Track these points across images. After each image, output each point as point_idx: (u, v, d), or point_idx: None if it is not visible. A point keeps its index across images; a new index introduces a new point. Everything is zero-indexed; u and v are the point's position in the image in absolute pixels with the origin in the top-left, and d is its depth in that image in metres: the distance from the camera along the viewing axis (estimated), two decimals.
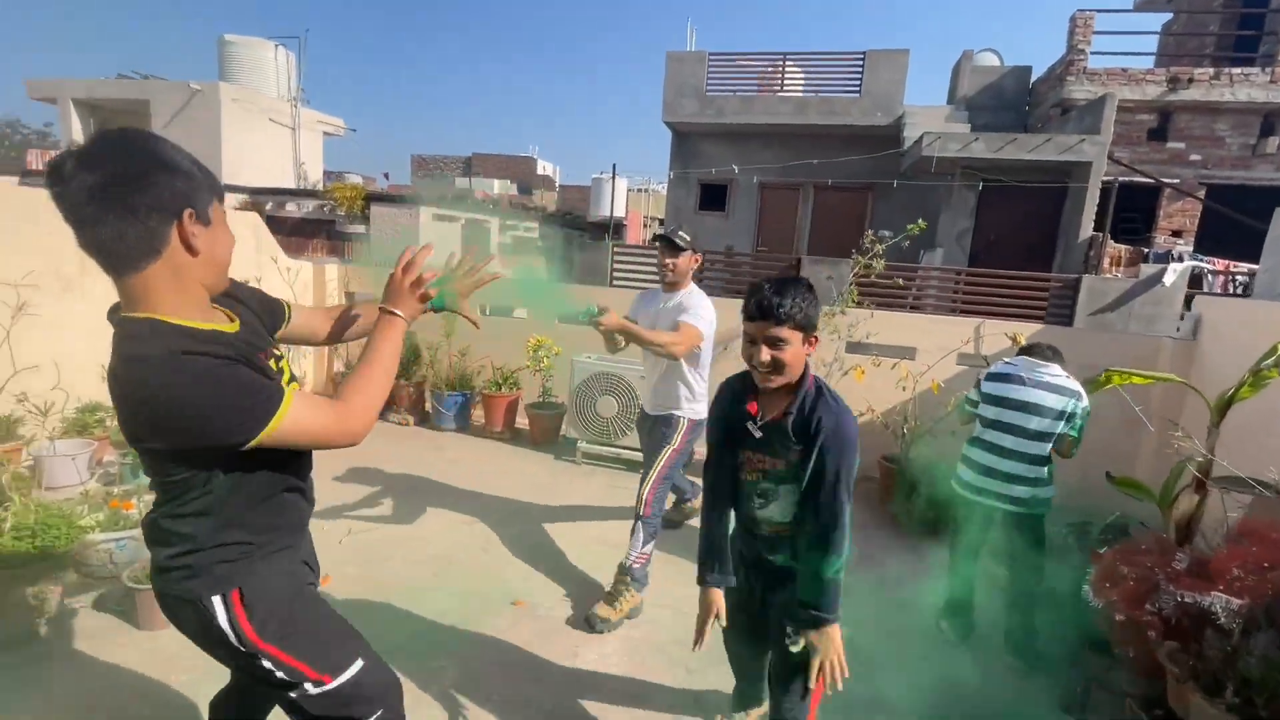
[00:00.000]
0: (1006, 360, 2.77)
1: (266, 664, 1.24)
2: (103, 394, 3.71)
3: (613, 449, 4.62)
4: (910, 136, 10.06)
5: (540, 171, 32.71)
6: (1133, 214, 11.46)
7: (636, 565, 2.66)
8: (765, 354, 1.55)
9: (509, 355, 5.28)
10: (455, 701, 2.15)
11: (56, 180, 0.99)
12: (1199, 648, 1.69)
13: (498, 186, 28.72)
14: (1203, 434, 2.46)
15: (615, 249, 8.50)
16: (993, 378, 2.64)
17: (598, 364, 4.63)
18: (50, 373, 3.52)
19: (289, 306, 1.42)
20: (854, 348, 4.69)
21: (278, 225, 10.07)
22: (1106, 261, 8.41)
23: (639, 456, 4.49)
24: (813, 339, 1.58)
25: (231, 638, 1.22)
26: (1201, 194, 10.02)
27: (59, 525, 2.43)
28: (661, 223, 16.66)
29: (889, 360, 4.33)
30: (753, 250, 12.74)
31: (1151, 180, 9.48)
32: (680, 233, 2.63)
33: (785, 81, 11.95)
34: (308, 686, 1.27)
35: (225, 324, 1.18)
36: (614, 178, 16.42)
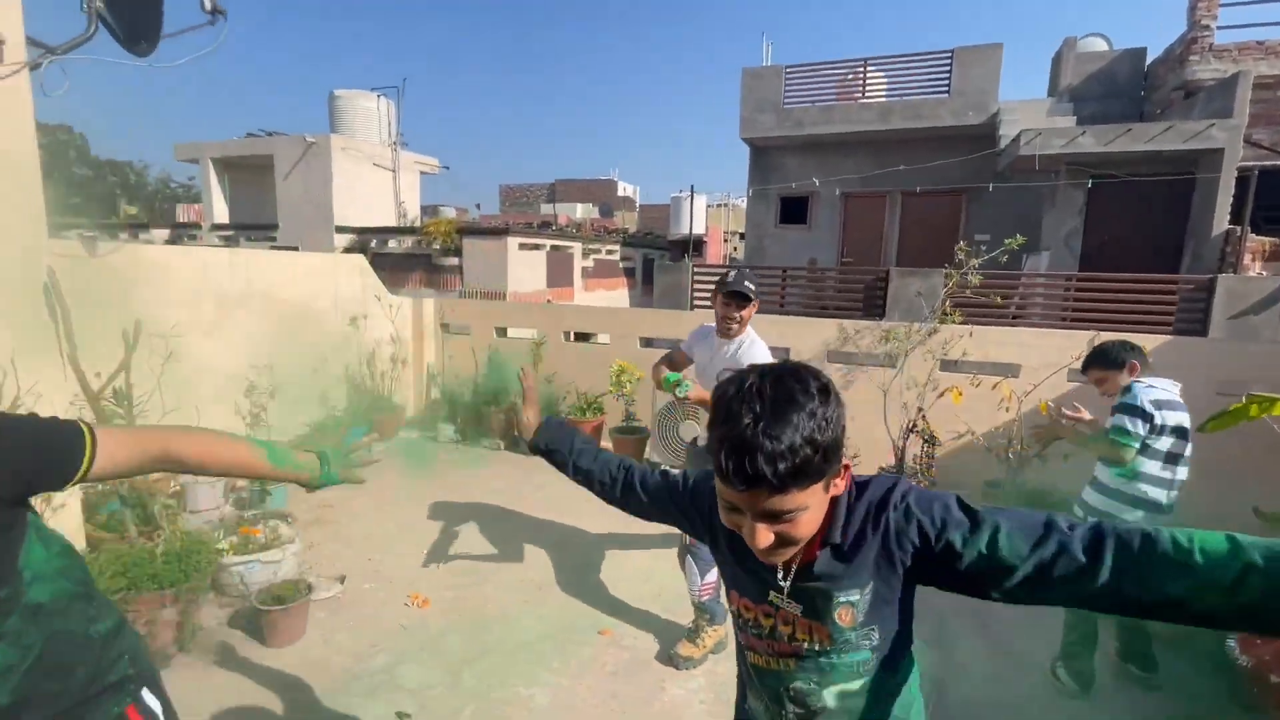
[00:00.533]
0: (1152, 382, 2.53)
1: None
2: (232, 425, 4.11)
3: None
4: (1007, 135, 9.46)
5: (621, 193, 33.38)
6: (1278, 204, 10.17)
7: (705, 598, 2.62)
8: (765, 537, 0.95)
9: (593, 381, 5.42)
10: None
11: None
12: None
13: (580, 210, 29.63)
14: None
15: (695, 269, 8.51)
16: (1166, 405, 2.42)
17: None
18: (191, 411, 3.98)
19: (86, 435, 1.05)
20: (949, 366, 4.44)
21: (380, 262, 10.86)
22: (1248, 258, 7.49)
23: None
24: (843, 470, 0.99)
25: None
26: None
27: (201, 550, 2.73)
28: (742, 237, 16.50)
29: (990, 379, 4.06)
30: (837, 263, 12.37)
31: None
32: (747, 283, 2.56)
33: (867, 87, 11.60)
34: None
35: None
36: (692, 196, 16.50)
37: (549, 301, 10.17)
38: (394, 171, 12.19)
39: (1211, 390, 4.02)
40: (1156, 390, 2.48)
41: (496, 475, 4.84)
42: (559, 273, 11.55)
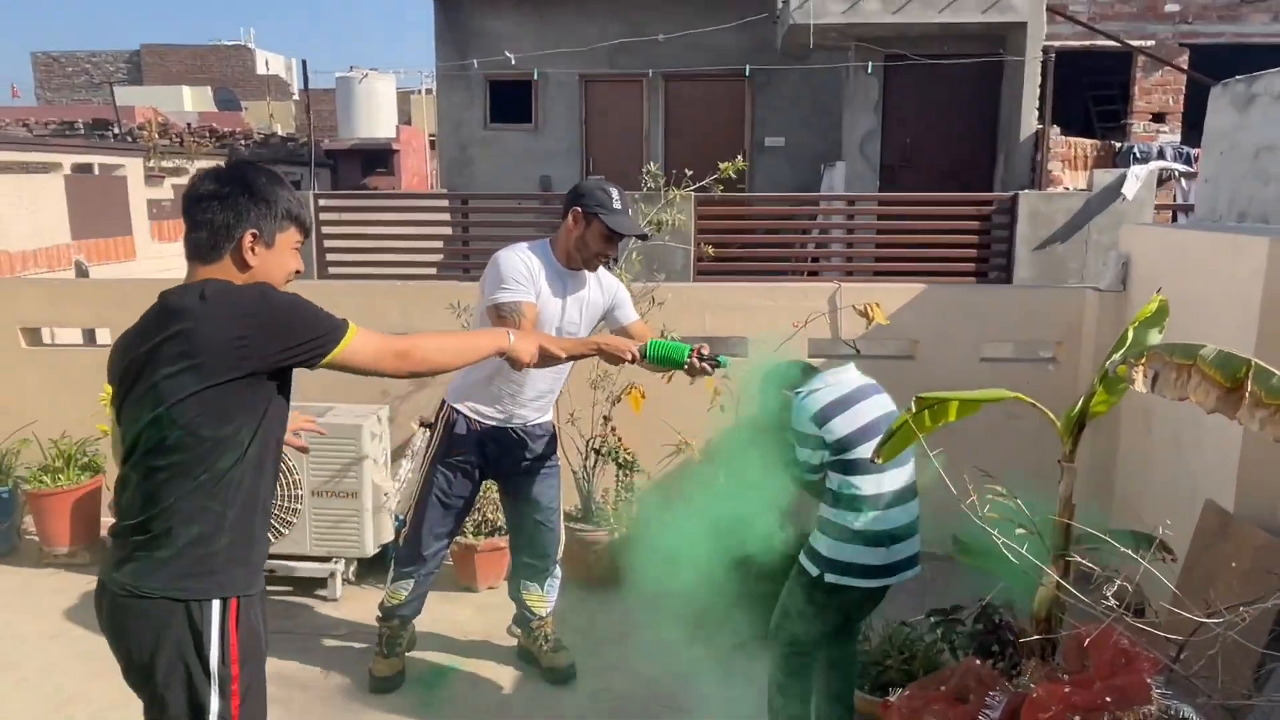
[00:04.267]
0: (816, 384, 2.75)
1: (214, 703, 1.77)
2: None
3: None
4: None
5: (263, 70, 31.00)
6: (1110, 93, 12.45)
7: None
8: None
9: (72, 412, 4.73)
10: None
11: (188, 186, 1.90)
12: None
13: (189, 99, 26.93)
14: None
15: (322, 203, 7.95)
16: (840, 407, 2.68)
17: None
18: None
19: None
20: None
21: None
22: (1058, 167, 8.97)
23: (305, 571, 4.19)
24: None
25: (213, 656, 1.76)
26: (1183, 60, 10.97)
27: None
28: (433, 145, 16.04)
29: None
30: (582, 177, 12.57)
31: (1116, 43, 10.24)
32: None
33: None
34: None
35: None
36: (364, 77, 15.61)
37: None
38: None
39: (975, 358, 4.59)
40: (824, 393, 2.68)
41: None
42: (102, 213, 10.14)
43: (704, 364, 2.77)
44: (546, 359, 2.92)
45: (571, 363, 3.17)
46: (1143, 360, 2.10)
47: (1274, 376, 1.85)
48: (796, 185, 11.66)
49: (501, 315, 2.91)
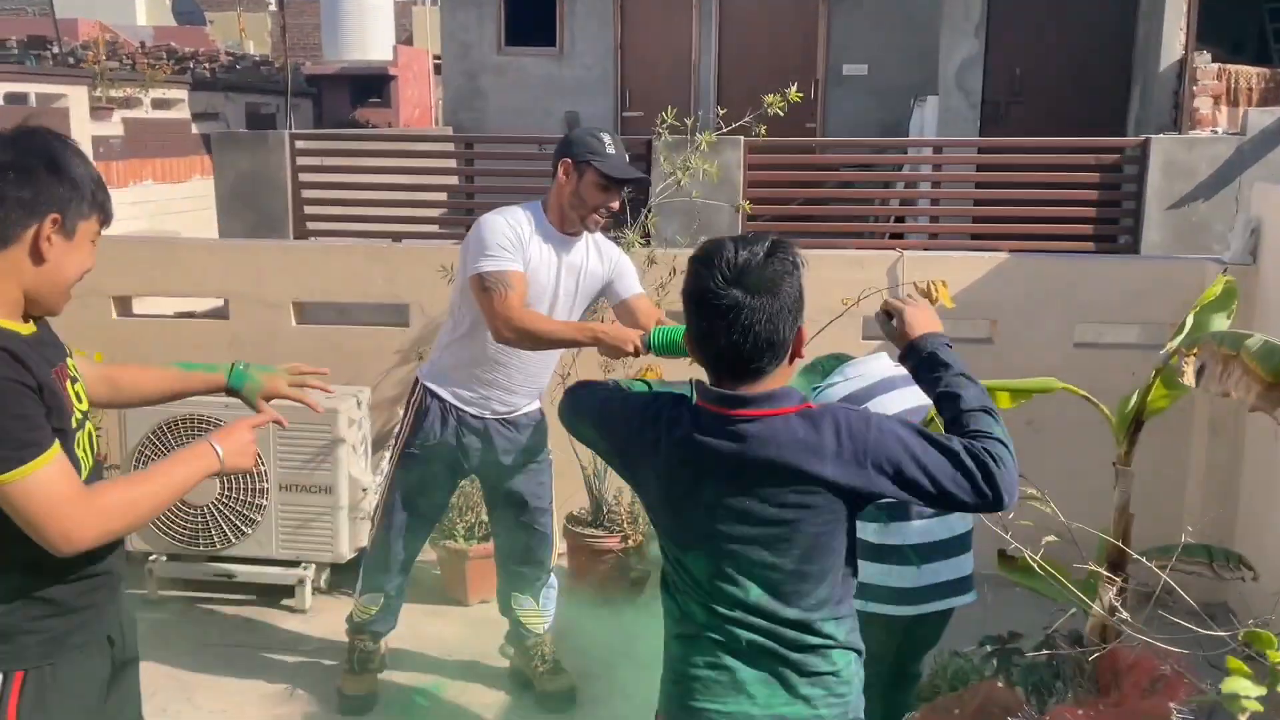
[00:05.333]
0: (845, 373, 3.00)
1: None
2: None
3: (219, 566, 4.61)
4: None
5: None
6: None
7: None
8: None
9: None
10: None
11: None
12: None
13: (144, 9, 27.59)
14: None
15: (299, 144, 8.29)
16: (861, 400, 2.83)
17: (177, 407, 4.52)
18: None
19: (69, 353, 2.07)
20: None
21: None
22: (1206, 103, 8.97)
23: (270, 577, 4.53)
24: None
25: None
26: None
27: None
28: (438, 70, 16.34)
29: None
30: (617, 117, 12.81)
31: None
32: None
33: None
34: None
35: (22, 325, 1.88)
36: None
37: None
38: None
39: (1067, 343, 4.78)
40: (842, 386, 2.91)
41: None
42: None
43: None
44: (537, 342, 3.18)
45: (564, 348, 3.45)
46: (1194, 350, 2.32)
47: None
48: (883, 123, 11.73)
49: (485, 288, 3.10)
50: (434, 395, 3.45)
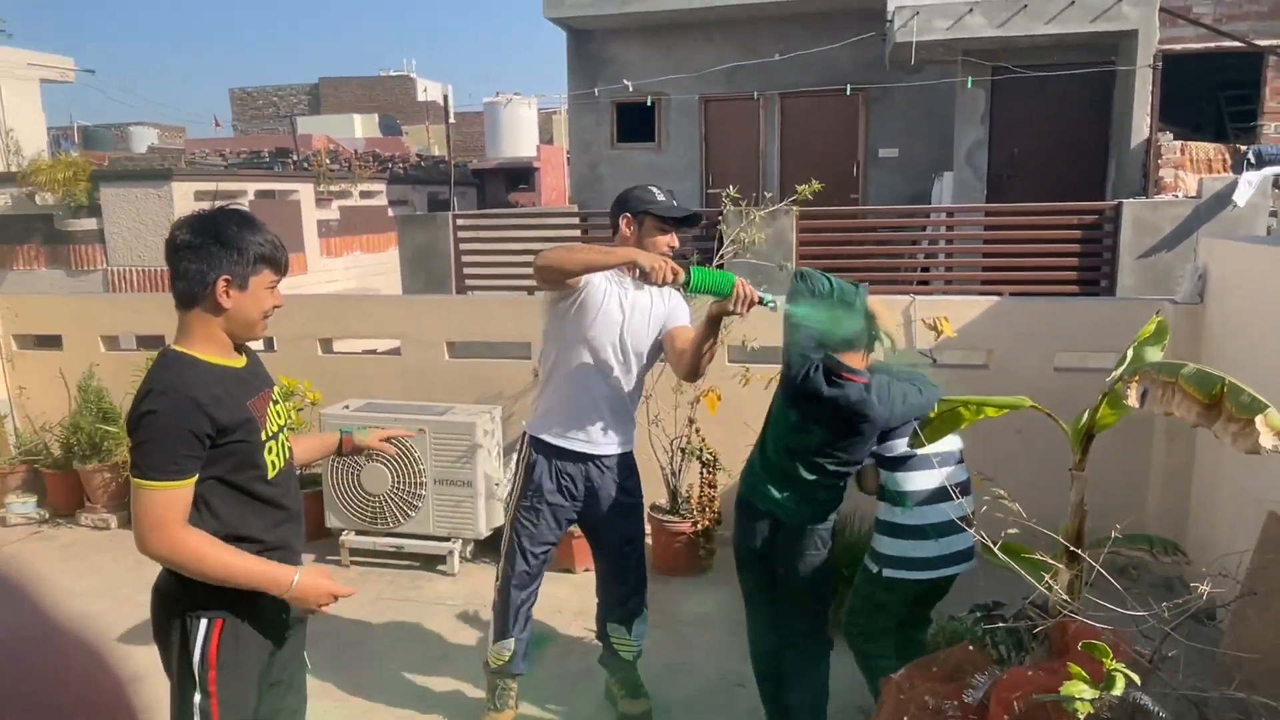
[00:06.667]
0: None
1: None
2: None
3: (391, 540, 4.66)
4: (899, 14, 10.14)
5: (422, 96, 32.65)
6: (1245, 93, 11.62)
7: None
8: None
9: None
10: None
11: (169, 235, 1.98)
12: None
13: (359, 125, 28.69)
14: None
15: (460, 223, 8.51)
16: None
17: (359, 416, 4.64)
18: None
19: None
20: (736, 355, 4.74)
21: None
22: (1170, 174, 8.53)
23: (428, 549, 4.60)
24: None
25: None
26: None
27: None
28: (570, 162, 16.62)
29: (767, 370, 4.37)
30: (701, 193, 12.82)
31: (1241, 44, 9.61)
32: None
33: None
34: None
35: (235, 359, 2.04)
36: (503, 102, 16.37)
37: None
38: None
39: (1048, 368, 4.57)
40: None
41: (94, 571, 4.67)
42: (280, 233, 11.10)
43: (746, 300, 2.54)
44: (570, 261, 2.78)
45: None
46: (1135, 378, 2.18)
47: (1244, 394, 1.91)
48: (910, 194, 11.50)
49: (543, 254, 2.79)
50: (539, 446, 3.07)
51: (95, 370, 5.46)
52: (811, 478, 2.79)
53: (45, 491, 5.46)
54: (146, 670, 2.08)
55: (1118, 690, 1.43)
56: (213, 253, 1.90)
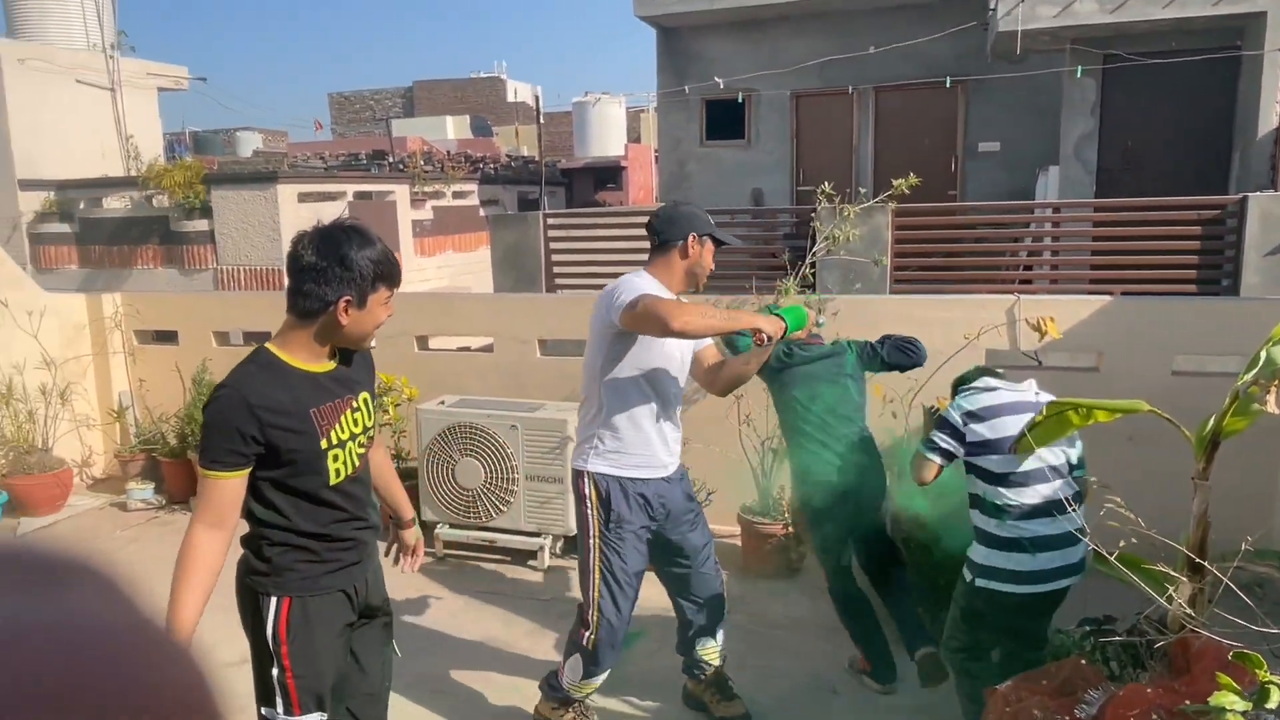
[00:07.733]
0: (983, 384, 2.94)
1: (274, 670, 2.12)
2: None
3: (483, 534, 4.76)
4: (1003, 3, 9.82)
5: (512, 97, 33.22)
6: None
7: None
8: None
9: None
10: None
11: (291, 249, 2.05)
12: None
13: (451, 127, 29.38)
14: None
15: (551, 222, 8.63)
16: (990, 415, 2.83)
17: (453, 412, 4.76)
18: None
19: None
20: None
21: (95, 230, 10.62)
22: None
23: (518, 544, 4.69)
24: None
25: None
26: None
27: None
28: (658, 160, 16.67)
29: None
30: (792, 192, 12.68)
31: None
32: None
33: None
34: None
35: (317, 365, 2.11)
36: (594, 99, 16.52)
37: None
38: (113, 90, 11.87)
39: (1165, 372, 4.36)
40: (983, 396, 2.80)
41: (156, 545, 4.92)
42: (377, 233, 11.51)
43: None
44: (703, 327, 2.74)
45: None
46: (1276, 382, 2.06)
47: None
48: (1013, 190, 11.12)
49: (646, 305, 2.66)
50: (606, 479, 2.95)
51: (208, 364, 5.76)
52: None
53: (162, 479, 5.78)
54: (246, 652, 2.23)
55: (1272, 703, 1.35)
56: (336, 275, 1.98)
